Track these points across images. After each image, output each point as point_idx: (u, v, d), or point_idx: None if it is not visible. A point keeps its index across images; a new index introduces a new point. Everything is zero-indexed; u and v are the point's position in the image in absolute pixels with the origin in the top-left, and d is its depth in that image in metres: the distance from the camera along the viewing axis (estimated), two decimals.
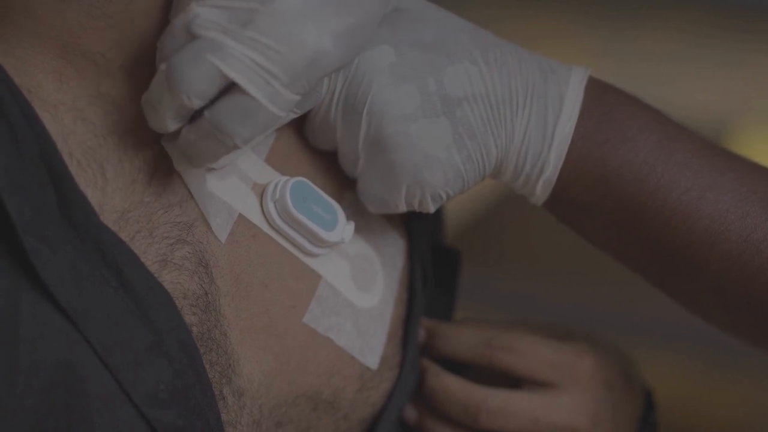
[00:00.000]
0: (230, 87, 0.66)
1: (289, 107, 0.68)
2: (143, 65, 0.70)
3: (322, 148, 0.79)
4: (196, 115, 0.68)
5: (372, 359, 0.79)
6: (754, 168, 0.77)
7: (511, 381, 0.84)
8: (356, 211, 0.80)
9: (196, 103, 0.66)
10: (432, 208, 0.77)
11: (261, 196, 0.75)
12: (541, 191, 0.77)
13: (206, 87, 0.66)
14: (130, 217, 0.68)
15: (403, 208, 0.77)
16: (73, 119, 0.68)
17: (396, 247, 0.82)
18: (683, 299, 0.80)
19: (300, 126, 0.78)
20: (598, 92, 0.77)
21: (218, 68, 0.65)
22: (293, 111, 0.73)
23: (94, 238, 0.66)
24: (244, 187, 0.74)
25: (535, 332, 0.85)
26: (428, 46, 0.75)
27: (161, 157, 0.71)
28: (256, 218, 0.74)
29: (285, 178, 0.75)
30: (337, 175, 0.79)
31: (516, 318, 0.89)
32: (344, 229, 0.76)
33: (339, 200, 0.78)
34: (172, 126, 0.68)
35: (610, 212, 0.77)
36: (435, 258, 0.88)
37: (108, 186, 0.68)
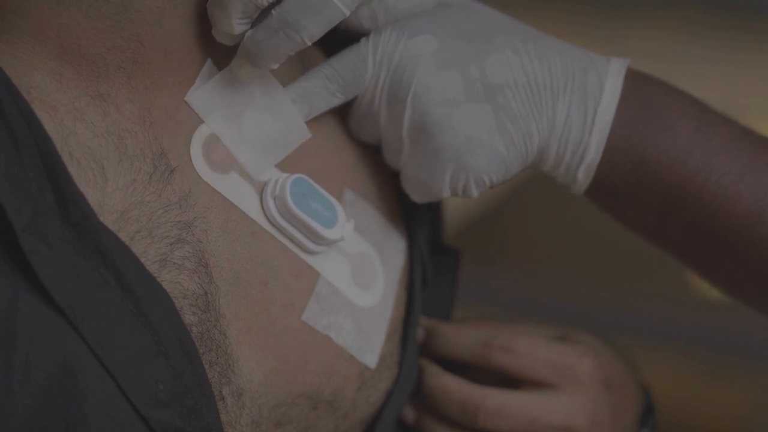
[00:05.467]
0: None
1: (352, 5, 0.71)
2: (142, 66, 0.70)
3: (365, 140, 0.81)
4: (260, 18, 0.71)
5: (371, 358, 0.78)
6: None
7: (510, 381, 0.84)
8: (356, 210, 0.80)
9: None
10: (475, 193, 0.78)
11: (261, 193, 0.75)
12: (582, 178, 0.79)
13: None
14: (130, 217, 0.68)
15: (447, 194, 0.78)
16: (72, 120, 0.68)
17: (396, 246, 0.82)
18: (724, 284, 0.82)
19: None
20: (636, 81, 0.79)
21: None
22: (336, 96, 0.76)
23: (93, 238, 0.65)
24: (244, 183, 0.74)
25: (534, 332, 0.85)
26: (470, 36, 0.77)
27: (161, 157, 0.71)
28: (255, 214, 0.74)
29: (285, 174, 0.75)
30: (338, 174, 0.80)
31: (515, 317, 0.89)
32: (344, 226, 0.76)
33: (339, 199, 0.78)
34: (238, 27, 0.71)
35: (649, 198, 0.78)
36: (434, 257, 0.88)
37: (108, 186, 0.68)
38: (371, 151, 0.82)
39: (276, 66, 0.72)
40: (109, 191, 0.68)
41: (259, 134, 0.75)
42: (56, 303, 0.64)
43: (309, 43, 0.71)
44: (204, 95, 0.73)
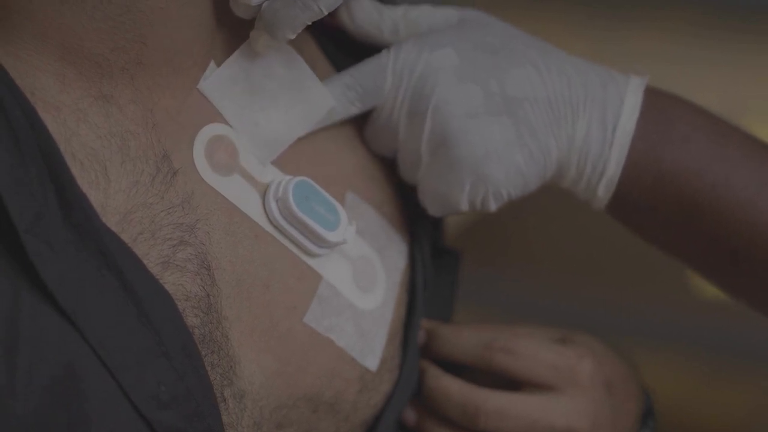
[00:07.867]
0: None
1: None
2: (145, 67, 0.70)
3: (381, 152, 0.81)
4: None
5: (372, 361, 0.79)
6: None
7: (511, 383, 0.84)
8: (358, 213, 0.80)
9: None
10: (493, 207, 0.79)
11: (264, 195, 0.75)
12: (603, 193, 0.79)
13: None
14: (132, 219, 0.68)
15: (465, 207, 0.79)
16: (75, 121, 0.68)
17: (398, 249, 0.83)
18: (745, 296, 0.82)
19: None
20: (653, 97, 0.79)
21: None
22: (354, 104, 0.77)
23: (95, 240, 0.65)
24: (246, 185, 0.74)
25: (534, 334, 0.85)
26: (490, 50, 0.77)
27: (164, 159, 0.71)
28: (258, 217, 0.74)
29: (288, 177, 0.76)
30: (341, 177, 0.80)
31: (516, 319, 0.89)
32: (346, 229, 0.76)
33: (341, 202, 0.78)
34: None
35: (669, 211, 0.79)
36: (434, 259, 0.88)
37: (110, 187, 0.68)
38: (374, 155, 0.82)
39: (293, 36, 0.72)
40: (112, 193, 0.68)
41: (277, 112, 0.75)
42: (59, 304, 0.64)
43: (326, 12, 0.71)
44: (219, 80, 0.73)
